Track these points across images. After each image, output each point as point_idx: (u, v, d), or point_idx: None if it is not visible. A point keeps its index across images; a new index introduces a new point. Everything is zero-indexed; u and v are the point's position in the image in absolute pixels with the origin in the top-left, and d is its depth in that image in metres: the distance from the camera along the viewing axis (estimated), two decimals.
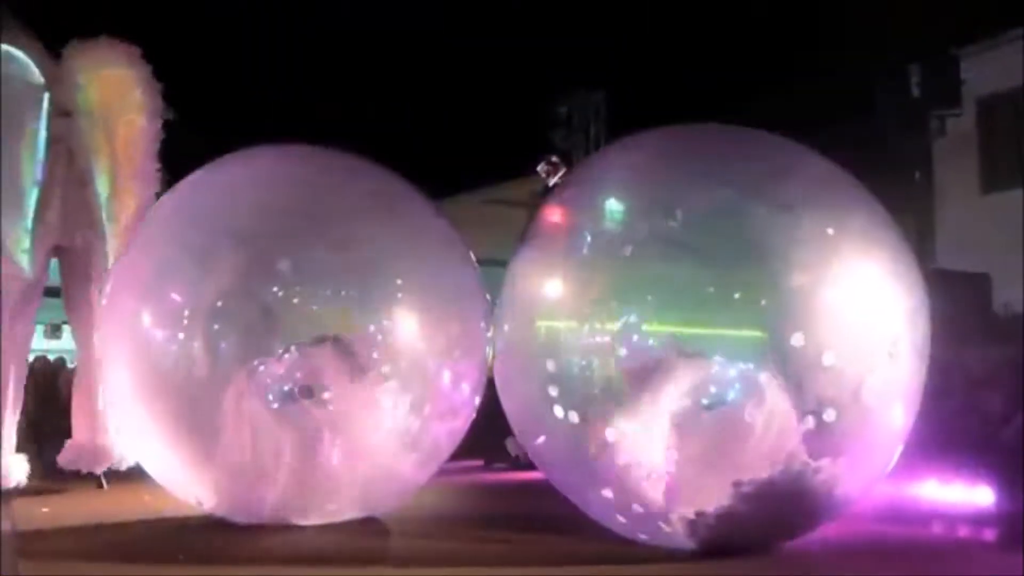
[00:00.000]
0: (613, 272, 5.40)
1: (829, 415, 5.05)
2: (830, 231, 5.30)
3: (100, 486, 8.28)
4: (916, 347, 5.36)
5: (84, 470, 8.13)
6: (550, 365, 5.40)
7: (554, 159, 11.04)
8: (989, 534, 6.03)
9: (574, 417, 5.31)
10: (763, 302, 5.16)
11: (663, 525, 5.26)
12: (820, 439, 5.06)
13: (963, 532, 6.14)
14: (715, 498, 5.06)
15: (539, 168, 11.20)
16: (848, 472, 5.25)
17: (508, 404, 5.93)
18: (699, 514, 5.11)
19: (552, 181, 10.54)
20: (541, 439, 5.70)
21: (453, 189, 15.77)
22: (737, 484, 5.00)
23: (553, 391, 5.37)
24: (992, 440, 6.60)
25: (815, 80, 13.20)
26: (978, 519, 6.16)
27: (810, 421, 5.05)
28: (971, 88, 12.36)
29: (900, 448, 5.56)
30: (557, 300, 5.58)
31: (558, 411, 5.36)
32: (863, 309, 5.19)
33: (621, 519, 5.45)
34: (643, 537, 5.47)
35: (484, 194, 17.45)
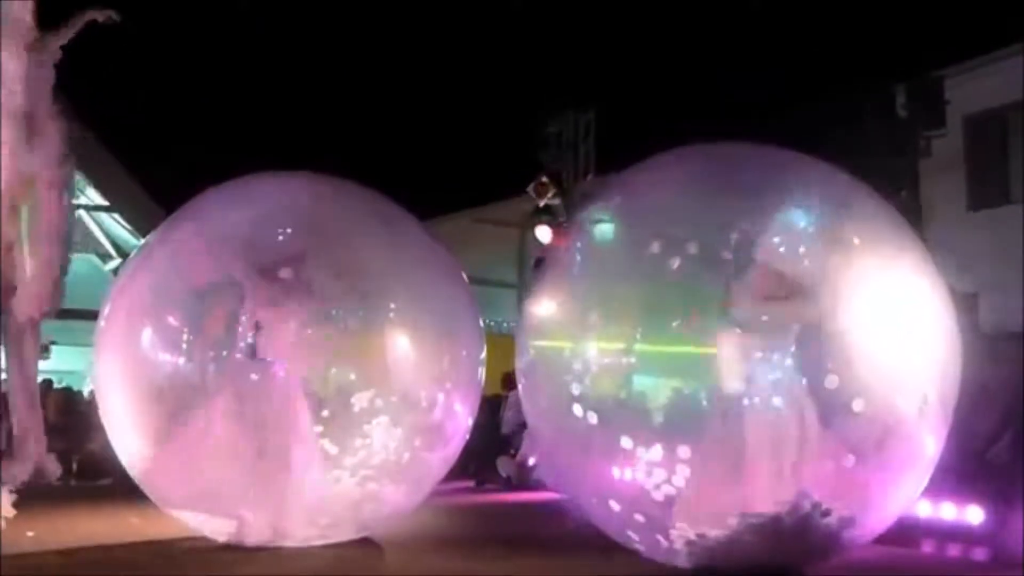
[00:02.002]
0: (642, 292, 5.27)
1: (848, 460, 4.93)
2: (879, 271, 5.13)
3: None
4: (943, 401, 5.22)
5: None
6: (575, 388, 5.28)
7: (544, 179, 11.08)
8: (980, 553, 6.05)
9: (592, 418, 5.17)
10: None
11: (661, 539, 5.18)
12: (836, 482, 4.96)
13: (955, 551, 6.16)
14: (720, 520, 4.97)
15: (529, 188, 11.25)
16: (859, 517, 5.14)
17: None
18: (700, 535, 5.02)
19: (543, 201, 10.56)
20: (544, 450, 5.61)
21: (443, 209, 15.82)
22: (743, 515, 4.91)
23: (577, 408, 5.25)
24: (982, 459, 6.62)
25: (805, 101, 13.33)
26: (969, 538, 6.18)
27: (828, 464, 4.93)
28: (957, 107, 12.49)
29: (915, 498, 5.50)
30: (577, 321, 5.45)
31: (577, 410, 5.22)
32: (901, 358, 5.04)
33: (623, 527, 5.36)
34: (640, 548, 5.38)
35: (474, 214, 17.52)
